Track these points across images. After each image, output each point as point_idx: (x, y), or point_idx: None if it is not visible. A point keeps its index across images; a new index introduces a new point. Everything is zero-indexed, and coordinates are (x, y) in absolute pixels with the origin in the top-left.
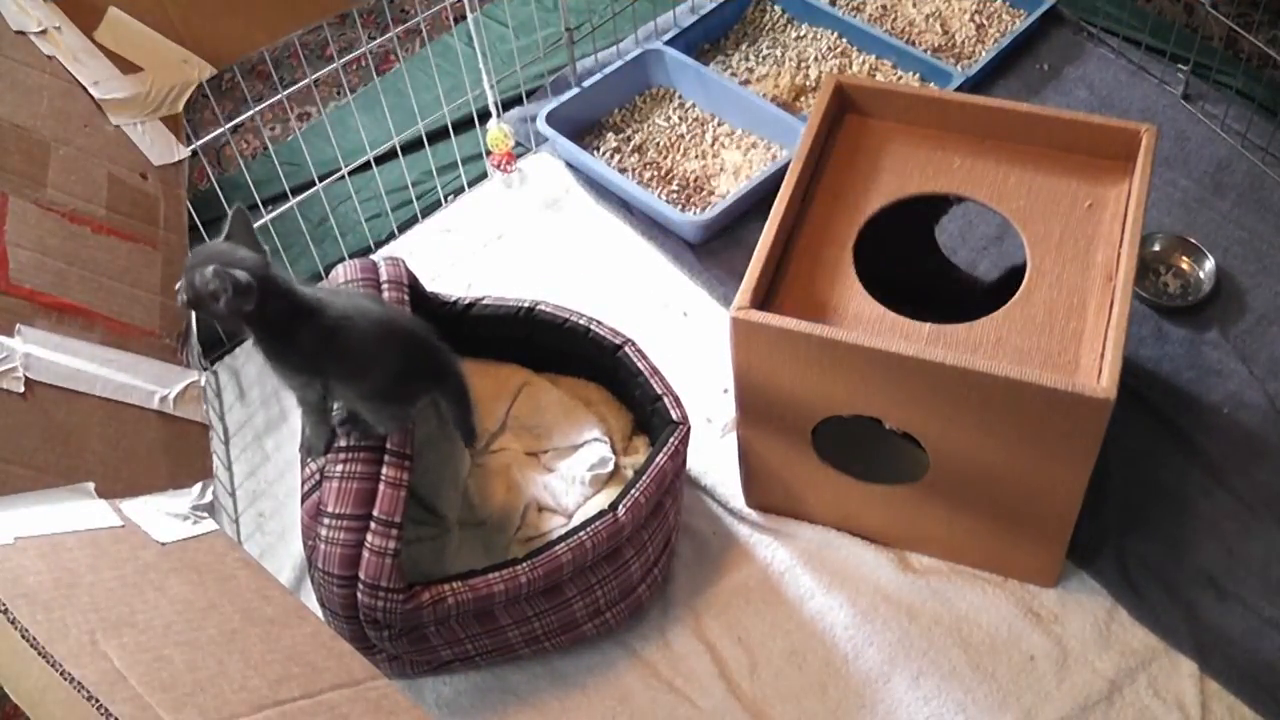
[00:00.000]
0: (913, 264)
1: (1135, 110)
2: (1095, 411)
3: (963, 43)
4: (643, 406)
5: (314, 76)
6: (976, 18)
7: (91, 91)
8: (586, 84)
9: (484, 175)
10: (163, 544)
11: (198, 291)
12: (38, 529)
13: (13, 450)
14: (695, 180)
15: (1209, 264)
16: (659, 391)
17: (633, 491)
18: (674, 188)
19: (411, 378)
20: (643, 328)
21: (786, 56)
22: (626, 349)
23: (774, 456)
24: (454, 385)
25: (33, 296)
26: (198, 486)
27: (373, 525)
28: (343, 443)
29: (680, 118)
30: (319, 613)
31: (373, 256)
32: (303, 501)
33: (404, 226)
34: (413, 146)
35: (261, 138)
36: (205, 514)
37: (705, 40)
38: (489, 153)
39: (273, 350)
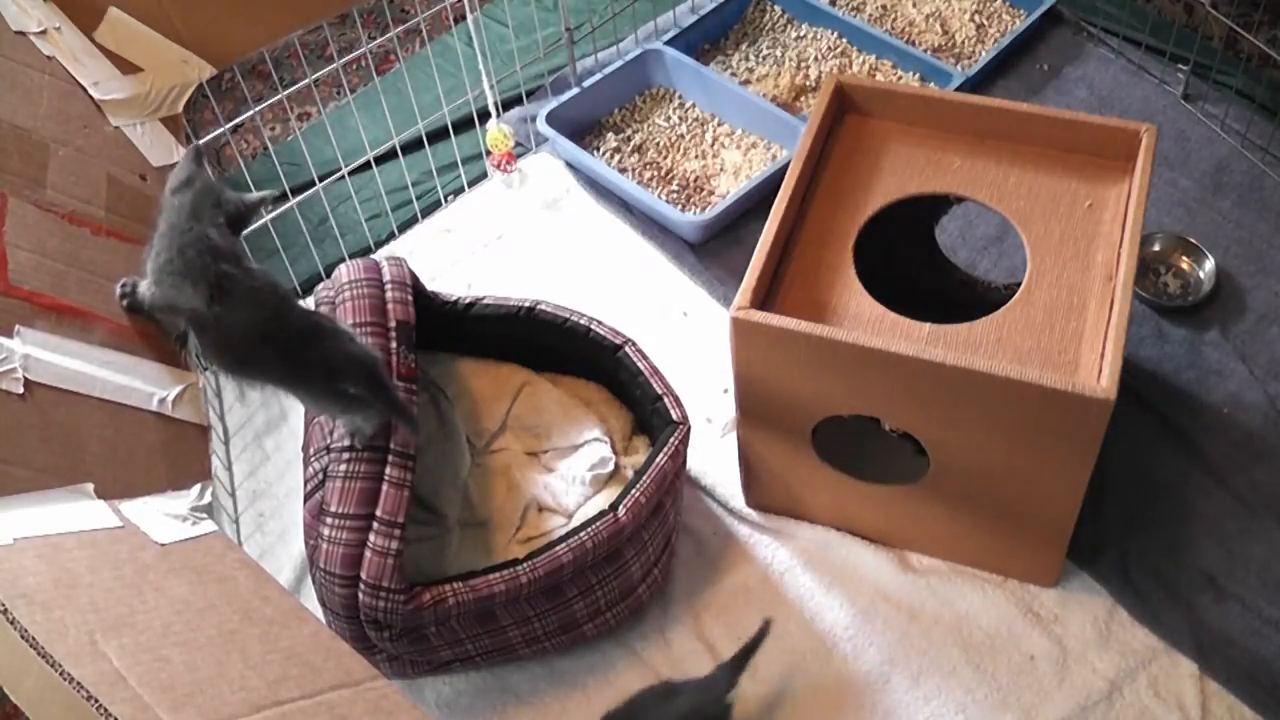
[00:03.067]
0: (913, 264)
1: (1135, 110)
2: (1095, 411)
3: (963, 43)
4: (643, 406)
5: (314, 76)
6: (976, 18)
7: (91, 92)
8: (586, 84)
9: (484, 175)
10: (162, 545)
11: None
12: (37, 530)
13: (12, 451)
14: (695, 180)
15: (1209, 264)
16: (659, 391)
17: (633, 491)
18: (674, 188)
19: (307, 372)
20: (643, 328)
21: (786, 56)
22: (627, 349)
23: (774, 456)
24: (362, 373)
25: (32, 298)
26: (196, 488)
27: (375, 525)
28: (346, 443)
29: (680, 118)
30: (319, 613)
31: (374, 256)
32: (305, 501)
33: (404, 226)
34: (413, 146)
35: (261, 138)
36: (204, 515)
37: (705, 40)
38: (489, 153)
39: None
